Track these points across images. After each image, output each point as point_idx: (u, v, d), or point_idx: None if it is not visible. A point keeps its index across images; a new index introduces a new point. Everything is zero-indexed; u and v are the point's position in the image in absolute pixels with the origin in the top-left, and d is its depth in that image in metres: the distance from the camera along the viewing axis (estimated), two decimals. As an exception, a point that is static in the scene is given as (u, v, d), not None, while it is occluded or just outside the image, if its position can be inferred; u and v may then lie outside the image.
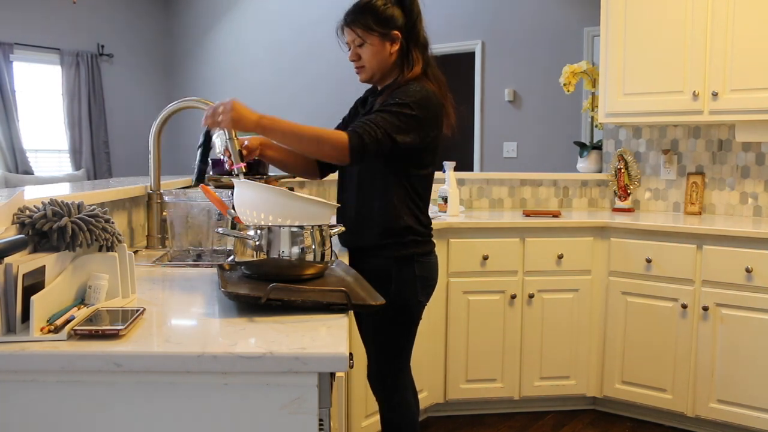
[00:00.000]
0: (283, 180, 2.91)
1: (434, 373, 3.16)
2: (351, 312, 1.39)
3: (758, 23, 3.09)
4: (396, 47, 2.03)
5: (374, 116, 1.91)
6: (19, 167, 6.75)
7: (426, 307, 2.16)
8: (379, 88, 2.12)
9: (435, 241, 2.16)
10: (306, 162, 2.20)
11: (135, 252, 2.13)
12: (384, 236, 2.02)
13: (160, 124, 2.23)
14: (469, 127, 5.90)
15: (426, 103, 1.95)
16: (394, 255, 2.02)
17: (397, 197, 2.01)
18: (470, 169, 5.84)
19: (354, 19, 2.04)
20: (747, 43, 3.12)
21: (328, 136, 1.87)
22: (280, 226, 1.46)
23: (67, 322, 1.14)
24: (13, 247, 1.08)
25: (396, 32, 2.02)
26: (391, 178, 2.01)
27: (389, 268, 2.02)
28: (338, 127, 2.19)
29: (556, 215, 3.38)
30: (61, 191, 1.99)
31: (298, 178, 3.06)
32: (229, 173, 2.20)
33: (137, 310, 1.22)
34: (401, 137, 1.90)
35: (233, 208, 1.62)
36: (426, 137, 1.98)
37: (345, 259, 2.02)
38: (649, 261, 3.09)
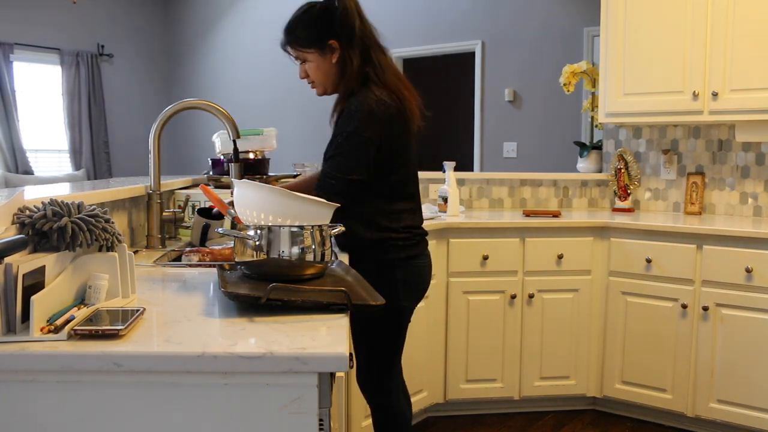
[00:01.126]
0: (283, 180, 2.91)
1: (434, 373, 3.16)
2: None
3: (758, 23, 3.09)
4: (336, 57, 1.97)
5: (329, 167, 1.92)
6: (19, 167, 6.75)
7: (426, 307, 2.15)
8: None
9: (434, 241, 2.14)
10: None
11: (135, 252, 2.13)
12: (359, 246, 2.01)
13: (160, 124, 2.23)
14: (469, 127, 5.90)
15: (364, 117, 1.90)
16: (375, 259, 2.00)
17: (366, 213, 1.98)
18: (470, 169, 5.84)
19: (288, 39, 2.02)
20: (747, 43, 3.12)
21: None
22: (280, 226, 1.46)
23: (67, 322, 1.14)
24: (13, 247, 1.08)
25: (332, 41, 1.96)
26: (358, 201, 1.97)
27: (369, 273, 1.97)
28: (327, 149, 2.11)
29: (556, 215, 3.38)
30: (61, 191, 1.99)
31: (298, 178, 3.06)
32: (228, 173, 2.21)
33: (137, 310, 1.22)
34: (359, 169, 1.91)
35: (233, 208, 1.62)
36: (383, 146, 1.93)
37: (345, 259, 2.02)
38: (649, 261, 3.09)
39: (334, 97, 2.13)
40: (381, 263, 2.00)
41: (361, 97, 1.92)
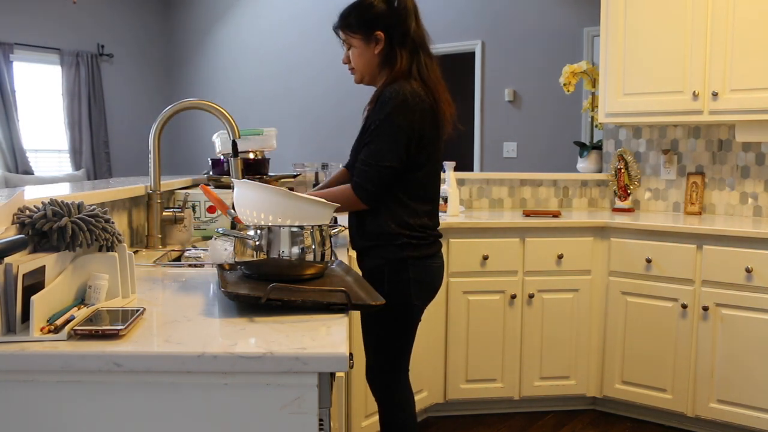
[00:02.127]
0: (283, 180, 2.91)
1: (434, 373, 3.16)
2: (352, 312, 1.39)
3: (758, 23, 3.09)
4: (380, 48, 2.02)
5: (363, 155, 1.97)
6: (19, 167, 6.75)
7: (429, 302, 2.16)
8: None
9: (441, 243, 2.15)
10: (345, 181, 2.21)
11: (135, 252, 2.13)
12: (373, 240, 2.03)
13: (160, 124, 2.23)
14: (469, 127, 5.90)
15: (402, 106, 1.93)
16: (388, 257, 2.02)
17: (386, 207, 2.01)
18: (470, 169, 5.84)
19: (339, 22, 2.08)
20: (747, 43, 3.12)
21: (341, 201, 1.94)
22: (280, 226, 1.46)
23: (67, 322, 1.14)
24: (13, 247, 1.08)
25: (379, 33, 2.01)
26: (390, 186, 2.01)
27: (382, 269, 2.02)
28: (358, 141, 2.14)
29: (556, 215, 3.38)
30: (61, 191, 1.99)
31: (298, 178, 3.06)
32: (229, 173, 2.20)
33: (137, 310, 1.22)
34: (392, 156, 1.94)
35: (233, 208, 1.62)
36: (413, 137, 1.96)
37: (345, 258, 2.02)
38: (649, 261, 3.09)
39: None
40: (394, 261, 2.02)
41: (396, 86, 1.96)
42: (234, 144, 2.23)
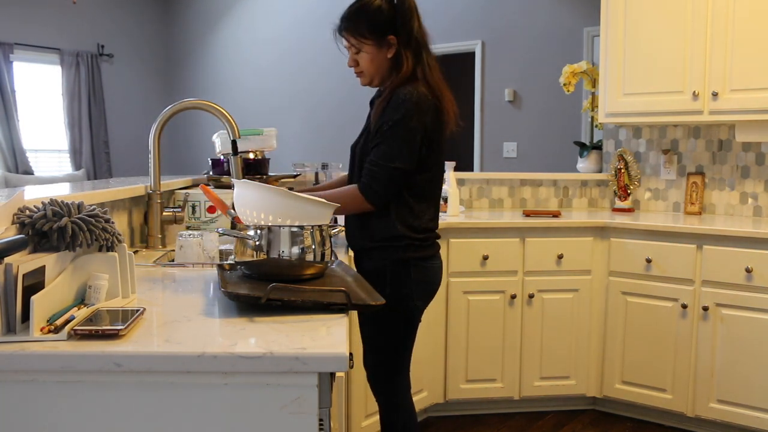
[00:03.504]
0: (283, 180, 2.91)
1: (434, 373, 3.16)
2: (352, 312, 1.39)
3: (758, 23, 3.09)
4: (392, 51, 2.01)
5: (373, 156, 1.97)
6: (19, 167, 6.75)
7: (429, 302, 2.16)
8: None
9: (440, 244, 2.16)
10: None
11: (135, 252, 2.13)
12: (377, 241, 2.03)
13: (160, 124, 2.23)
14: (469, 127, 5.90)
15: (412, 108, 1.93)
16: (390, 258, 2.02)
17: (394, 209, 2.01)
18: (470, 169, 5.84)
19: (347, 27, 2.03)
20: (747, 43, 3.12)
21: (347, 201, 1.96)
22: (280, 226, 1.46)
23: (67, 322, 1.14)
24: (13, 247, 1.08)
25: (391, 37, 2.00)
26: (399, 187, 2.01)
27: (385, 270, 2.02)
28: (357, 141, 2.16)
29: (556, 215, 3.38)
30: (61, 191, 1.99)
31: (298, 178, 3.06)
32: (229, 173, 2.20)
33: (137, 310, 1.22)
34: (402, 158, 1.94)
35: (233, 208, 1.62)
36: (426, 139, 1.97)
37: (345, 258, 2.02)
38: (649, 261, 3.09)
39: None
40: (396, 262, 2.02)
41: (410, 88, 1.95)
42: (234, 143, 2.23)
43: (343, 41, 2.07)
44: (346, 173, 2.28)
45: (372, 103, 2.18)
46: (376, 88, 2.14)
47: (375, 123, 2.00)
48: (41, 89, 7.10)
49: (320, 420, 1.09)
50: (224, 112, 2.19)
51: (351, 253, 2.21)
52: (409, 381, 2.20)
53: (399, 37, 2.00)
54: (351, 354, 1.10)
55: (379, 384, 2.17)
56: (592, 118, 3.93)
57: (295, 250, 1.46)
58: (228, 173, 2.68)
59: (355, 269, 2.10)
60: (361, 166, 2.03)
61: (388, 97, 1.98)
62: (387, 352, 2.12)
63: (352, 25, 2.02)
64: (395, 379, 2.15)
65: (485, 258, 3.14)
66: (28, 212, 1.22)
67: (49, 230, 1.20)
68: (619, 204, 3.70)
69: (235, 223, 1.64)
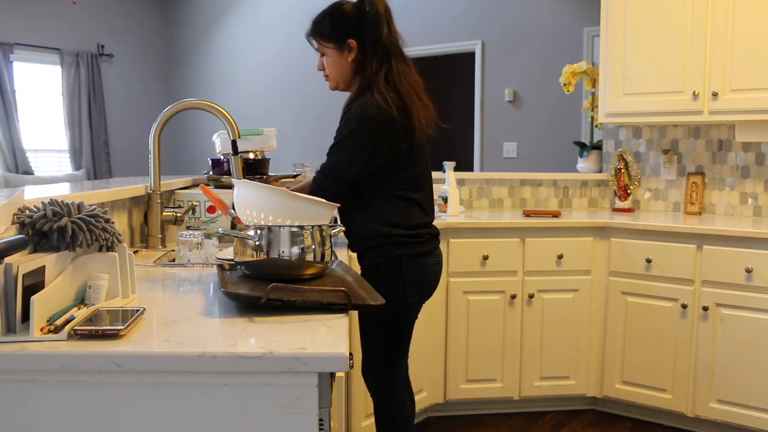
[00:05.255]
0: (283, 180, 2.91)
1: (434, 373, 3.16)
2: (352, 312, 1.39)
3: (758, 23, 3.09)
4: (353, 56, 2.03)
5: (322, 165, 2.03)
6: (19, 167, 6.75)
7: (426, 307, 2.16)
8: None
9: (439, 240, 2.16)
10: None
11: (135, 252, 2.13)
12: (366, 241, 2.06)
13: (160, 124, 2.23)
14: (469, 127, 5.90)
15: (363, 122, 1.94)
16: (383, 255, 2.04)
17: (378, 208, 2.03)
18: (470, 169, 5.84)
19: (313, 30, 2.10)
20: (747, 43, 3.12)
21: None
22: (280, 226, 1.46)
23: (67, 322, 1.14)
24: (13, 247, 1.08)
25: (351, 41, 2.02)
26: (367, 194, 2.04)
27: (378, 267, 2.04)
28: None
29: (556, 215, 3.38)
30: (61, 191, 1.99)
31: (298, 178, 3.06)
32: (229, 173, 2.20)
33: (137, 310, 1.22)
34: (348, 171, 1.98)
35: (233, 208, 1.62)
36: (384, 151, 1.98)
37: (345, 258, 2.03)
38: (649, 261, 3.09)
39: (332, 97, 2.17)
40: (389, 259, 2.04)
41: (362, 101, 1.97)
42: (234, 143, 2.23)
43: (313, 44, 2.13)
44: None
45: None
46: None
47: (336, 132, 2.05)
48: (41, 89, 7.10)
49: (320, 420, 1.09)
50: (224, 112, 2.19)
51: (352, 253, 2.21)
52: (404, 378, 2.20)
53: (362, 42, 2.01)
54: (351, 354, 1.10)
55: (371, 380, 2.18)
56: (592, 118, 3.93)
57: (295, 250, 1.46)
58: (228, 173, 2.68)
59: (356, 269, 2.11)
60: None
61: (345, 110, 2.03)
62: (379, 348, 2.14)
63: (317, 28, 2.08)
64: (388, 376, 2.15)
65: (485, 258, 3.14)
66: (28, 212, 1.22)
67: (49, 230, 1.20)
68: (619, 204, 3.70)
69: (235, 223, 1.64)
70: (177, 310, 1.32)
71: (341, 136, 1.99)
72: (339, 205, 1.68)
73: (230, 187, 2.53)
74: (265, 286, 1.31)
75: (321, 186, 2.00)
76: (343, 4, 2.06)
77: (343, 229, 1.63)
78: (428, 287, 2.13)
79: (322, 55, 2.10)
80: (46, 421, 1.06)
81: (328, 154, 2.03)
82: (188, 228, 2.44)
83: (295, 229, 1.46)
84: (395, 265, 2.03)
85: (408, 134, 2.02)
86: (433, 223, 2.16)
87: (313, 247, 1.47)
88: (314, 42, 2.11)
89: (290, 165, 3.27)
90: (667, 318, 3.07)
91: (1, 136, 6.64)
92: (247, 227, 1.49)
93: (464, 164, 4.79)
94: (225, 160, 2.76)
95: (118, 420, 1.06)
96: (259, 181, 1.91)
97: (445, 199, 3.39)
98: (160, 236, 2.26)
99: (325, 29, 2.06)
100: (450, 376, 3.20)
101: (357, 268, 2.13)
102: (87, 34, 7.36)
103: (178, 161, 7.68)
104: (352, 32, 2.02)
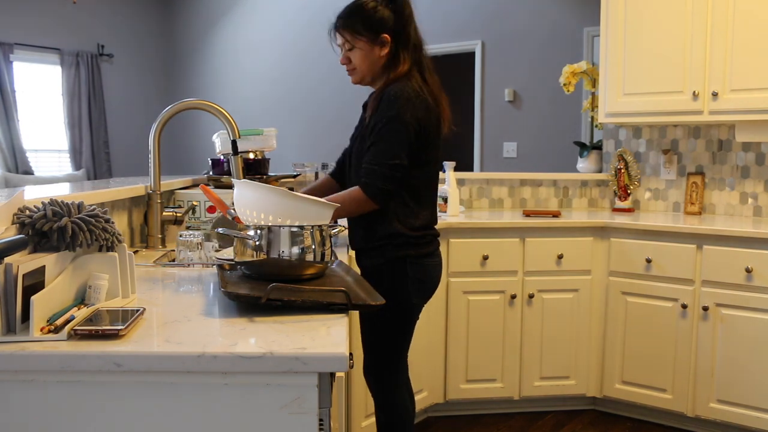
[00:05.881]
0: (283, 180, 2.91)
1: (434, 373, 3.16)
2: (352, 312, 1.39)
3: (758, 23, 3.09)
4: (386, 50, 2.04)
5: (371, 155, 1.96)
6: (19, 167, 6.75)
7: (426, 307, 2.16)
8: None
9: (439, 241, 2.16)
10: (328, 191, 2.23)
11: (135, 252, 2.13)
12: (373, 240, 2.04)
13: (160, 124, 2.23)
14: (469, 127, 5.90)
15: (405, 103, 1.95)
16: (386, 256, 2.02)
17: (392, 208, 2.01)
18: (470, 169, 5.84)
19: (344, 23, 2.06)
20: (747, 43, 3.12)
21: (350, 203, 1.95)
22: (280, 226, 1.46)
23: (67, 322, 1.14)
24: (13, 247, 1.08)
25: (385, 35, 2.03)
26: (401, 184, 2.01)
27: (381, 268, 2.03)
28: (348, 150, 2.21)
29: (556, 215, 3.38)
30: (61, 191, 1.99)
31: (298, 178, 3.06)
32: (229, 172, 2.20)
33: (137, 310, 1.22)
34: (400, 158, 1.95)
35: (233, 208, 1.62)
36: (420, 133, 1.98)
37: (345, 258, 2.02)
38: (649, 261, 3.09)
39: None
40: (393, 260, 2.02)
41: (400, 85, 1.98)
42: (234, 143, 2.23)
43: (337, 39, 2.10)
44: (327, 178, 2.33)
45: (365, 106, 2.19)
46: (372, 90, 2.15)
47: (369, 122, 2.01)
48: (41, 89, 7.10)
49: (320, 420, 1.09)
50: (224, 112, 2.20)
51: (351, 252, 2.21)
52: (405, 379, 2.20)
53: (396, 39, 2.03)
54: (351, 354, 1.10)
55: (374, 381, 2.17)
56: (592, 118, 3.93)
57: (295, 250, 1.46)
58: (228, 173, 2.68)
59: (355, 269, 2.11)
60: (357, 170, 2.03)
61: (380, 96, 2.00)
62: (383, 349, 2.13)
63: (347, 21, 2.05)
64: (391, 377, 2.15)
65: (485, 258, 3.14)
66: (28, 212, 1.22)
67: (49, 230, 1.20)
68: (619, 204, 3.70)
69: (235, 223, 1.64)
70: (177, 310, 1.32)
71: (384, 119, 1.95)
72: (339, 205, 1.66)
73: (230, 187, 2.53)
74: (265, 286, 1.31)
75: (378, 176, 1.93)
76: (370, 2, 2.06)
77: (343, 228, 1.63)
78: (431, 287, 2.13)
79: (350, 49, 2.06)
80: (46, 421, 1.06)
81: (372, 144, 1.96)
82: (188, 228, 2.44)
83: (295, 229, 1.46)
84: (400, 266, 2.02)
85: (437, 126, 2.05)
86: (436, 225, 2.16)
87: (313, 247, 1.47)
88: (342, 36, 2.07)
89: (290, 165, 3.27)
90: (667, 318, 3.07)
91: (1, 136, 6.64)
92: (247, 227, 1.49)
93: (464, 164, 4.80)
94: (225, 160, 2.77)
95: (118, 420, 1.06)
96: (259, 181, 1.91)
97: (445, 199, 3.39)
98: (160, 236, 2.26)
99: (357, 23, 2.03)
100: (450, 376, 3.20)
101: (357, 269, 2.13)
102: (87, 34, 7.36)
103: (178, 161, 7.68)
104: (385, 27, 2.02)
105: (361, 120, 2.17)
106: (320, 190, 2.24)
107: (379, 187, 1.94)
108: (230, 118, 2.19)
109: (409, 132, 1.95)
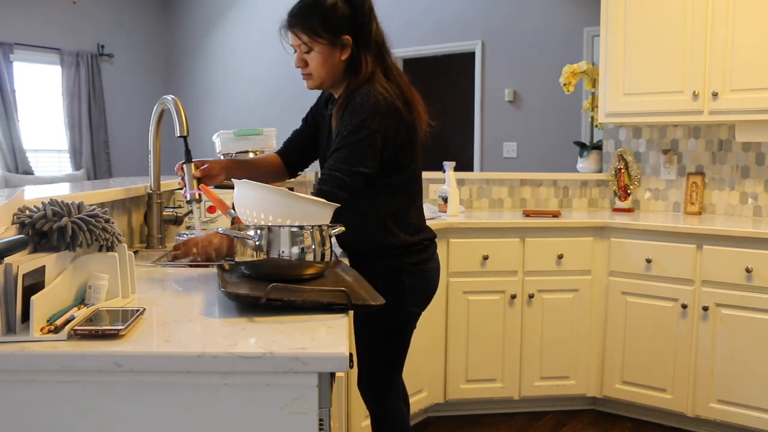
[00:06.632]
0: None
1: (434, 373, 3.16)
2: (351, 312, 1.39)
3: (758, 23, 3.09)
4: (347, 54, 1.88)
5: (333, 161, 1.82)
6: (19, 167, 6.75)
7: (425, 307, 2.14)
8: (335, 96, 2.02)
9: (436, 243, 2.11)
10: (274, 174, 2.17)
11: (135, 252, 2.13)
12: (366, 252, 1.97)
13: (155, 125, 2.24)
14: (469, 127, 5.90)
15: (375, 110, 1.81)
16: (381, 265, 1.94)
17: (373, 221, 1.93)
18: (470, 169, 5.84)
19: (298, 23, 1.88)
20: (747, 43, 3.12)
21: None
22: (280, 226, 1.46)
23: (67, 322, 1.14)
24: (13, 247, 1.08)
25: (347, 37, 1.86)
26: (365, 202, 1.90)
27: (377, 277, 1.88)
28: (294, 134, 2.19)
29: (556, 215, 3.38)
30: (61, 191, 1.99)
31: (298, 178, 3.05)
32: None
33: (137, 310, 1.22)
34: (367, 162, 1.82)
35: (233, 208, 1.62)
36: (389, 141, 1.86)
37: (345, 259, 2.02)
38: (649, 261, 3.09)
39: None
40: (389, 269, 1.94)
41: (366, 90, 1.84)
42: (187, 150, 2.05)
43: (290, 39, 1.92)
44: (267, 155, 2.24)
45: (327, 103, 2.09)
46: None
47: (336, 128, 1.88)
48: (41, 89, 7.10)
49: (320, 420, 1.09)
50: (178, 105, 2.08)
51: (344, 260, 2.17)
52: (400, 388, 2.15)
53: (357, 39, 1.87)
54: (351, 354, 1.10)
55: (369, 392, 2.10)
56: (592, 118, 3.93)
57: (295, 250, 1.46)
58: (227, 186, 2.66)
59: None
60: None
61: (345, 102, 1.87)
62: (379, 360, 2.04)
63: (304, 21, 1.86)
64: (387, 387, 2.07)
65: (485, 258, 3.14)
66: (28, 212, 1.22)
67: (49, 230, 1.20)
68: (619, 204, 3.70)
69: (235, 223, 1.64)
70: (177, 310, 1.32)
71: (351, 127, 1.81)
72: (339, 204, 1.64)
73: (230, 187, 2.52)
74: (265, 286, 1.31)
75: (340, 184, 1.78)
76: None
77: (343, 228, 1.59)
78: (430, 294, 2.06)
79: (307, 51, 1.89)
80: (46, 421, 1.06)
81: (335, 150, 1.83)
82: (188, 228, 2.44)
83: (295, 229, 1.46)
84: (396, 275, 1.94)
85: (411, 128, 1.92)
86: (430, 224, 2.09)
87: (313, 247, 1.47)
88: (300, 36, 1.88)
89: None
90: (667, 318, 3.07)
91: (1, 136, 6.64)
92: (247, 227, 1.49)
93: (464, 164, 4.79)
94: (182, 185, 2.73)
95: (118, 420, 1.06)
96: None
97: (445, 199, 3.39)
98: (159, 236, 2.26)
99: (316, 24, 1.84)
100: (450, 376, 3.20)
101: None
102: (87, 34, 7.36)
103: (178, 161, 7.68)
104: (346, 28, 1.86)
105: (328, 129, 2.04)
106: (262, 165, 2.16)
107: (341, 197, 1.76)
108: (182, 111, 2.06)
109: (376, 139, 1.81)
